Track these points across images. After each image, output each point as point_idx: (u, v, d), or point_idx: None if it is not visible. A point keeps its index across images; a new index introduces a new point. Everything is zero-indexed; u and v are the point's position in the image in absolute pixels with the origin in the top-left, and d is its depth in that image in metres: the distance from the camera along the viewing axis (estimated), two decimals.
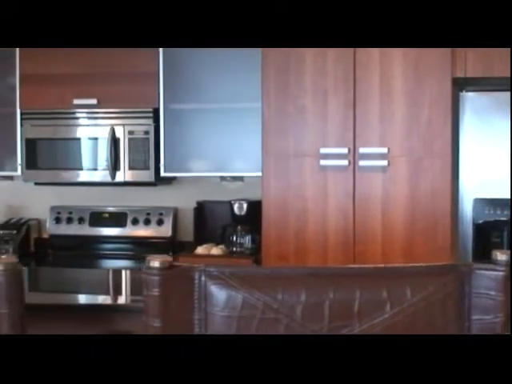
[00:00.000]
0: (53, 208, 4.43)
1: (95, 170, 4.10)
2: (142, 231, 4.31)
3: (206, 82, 4.01)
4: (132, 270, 3.90)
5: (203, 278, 1.39)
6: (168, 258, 1.40)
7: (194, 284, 1.38)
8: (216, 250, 4.04)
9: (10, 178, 4.48)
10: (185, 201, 4.33)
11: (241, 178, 4.23)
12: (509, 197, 3.52)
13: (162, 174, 4.04)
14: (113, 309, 2.08)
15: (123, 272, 3.76)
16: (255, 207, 4.06)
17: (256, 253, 4.04)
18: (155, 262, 1.37)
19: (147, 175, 4.02)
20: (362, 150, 3.65)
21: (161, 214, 4.29)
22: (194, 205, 4.28)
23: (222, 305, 1.37)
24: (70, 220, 4.39)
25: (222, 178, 4.25)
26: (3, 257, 1.41)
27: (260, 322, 1.36)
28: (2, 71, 4.22)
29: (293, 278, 1.39)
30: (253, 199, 4.09)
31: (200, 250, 4.08)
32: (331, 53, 3.64)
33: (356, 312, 1.37)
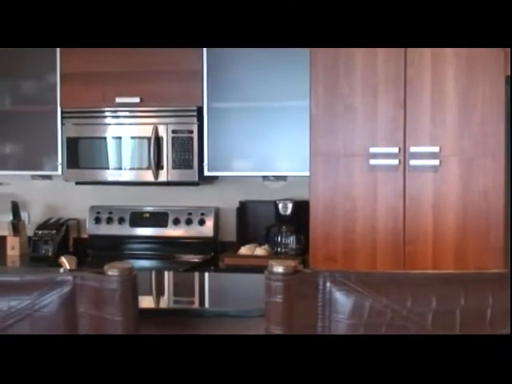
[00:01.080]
0: (92, 208, 4.37)
1: (137, 169, 4.03)
2: (183, 231, 4.23)
3: (250, 80, 3.97)
4: (177, 271, 3.81)
5: (328, 284, 1.31)
6: (291, 262, 1.31)
7: (317, 290, 1.30)
8: (260, 251, 3.97)
9: (49, 177, 4.43)
10: (226, 200, 4.27)
11: (284, 178, 4.17)
12: None
13: (206, 173, 3.97)
14: (191, 314, 1.99)
15: (166, 273, 3.65)
16: (300, 207, 3.99)
17: (301, 253, 3.98)
18: (279, 268, 1.30)
19: (190, 175, 3.96)
20: (412, 149, 3.59)
21: (202, 213, 4.23)
22: (236, 204, 4.21)
23: (348, 312, 1.30)
24: (109, 220, 4.32)
25: (265, 178, 4.19)
26: (116, 263, 1.33)
27: (387, 329, 1.28)
28: (43, 70, 4.18)
29: (422, 284, 1.30)
30: (297, 199, 4.00)
31: (243, 250, 4.02)
32: (381, 51, 3.57)
33: (488, 321, 1.28)
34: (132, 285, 1.35)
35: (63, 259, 2.62)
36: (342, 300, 1.34)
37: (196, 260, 4.18)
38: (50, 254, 4.27)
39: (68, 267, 2.61)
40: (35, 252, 4.29)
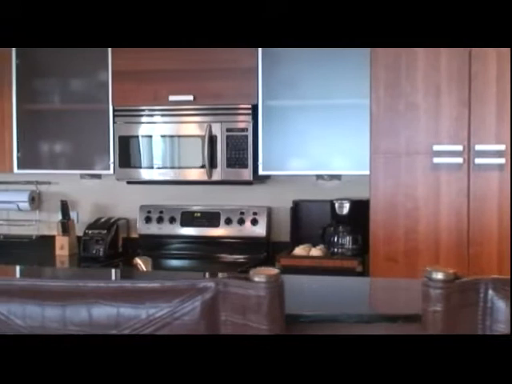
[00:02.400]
0: (142, 207, 4.28)
1: (190, 168, 3.93)
2: (235, 231, 4.13)
3: (305, 77, 3.91)
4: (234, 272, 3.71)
5: (490, 292, 1.20)
6: (450, 269, 1.20)
7: (478, 298, 1.19)
8: (316, 251, 3.88)
9: (98, 176, 4.34)
10: (279, 200, 4.20)
11: (338, 177, 4.06)
12: None
13: (260, 172, 3.87)
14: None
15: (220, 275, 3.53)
16: (357, 207, 3.88)
17: (358, 254, 3.87)
18: (438, 274, 1.18)
19: (245, 174, 3.88)
20: (477, 148, 3.49)
21: (255, 213, 4.15)
22: (288, 204, 4.14)
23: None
24: (160, 219, 4.24)
25: (318, 177, 4.09)
26: (264, 268, 1.22)
27: None
28: (94, 68, 4.13)
29: None
30: (353, 198, 3.90)
31: (298, 250, 3.93)
32: (444, 49, 3.50)
33: None
34: (279, 291, 1.24)
35: (138, 260, 2.54)
36: (504, 309, 1.22)
37: (248, 260, 4.06)
38: (100, 253, 4.19)
39: (144, 269, 2.51)
40: (86, 252, 4.21)
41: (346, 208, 3.98)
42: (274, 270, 1.28)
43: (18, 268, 3.77)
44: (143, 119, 4.11)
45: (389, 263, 3.69)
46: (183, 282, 1.28)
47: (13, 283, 1.30)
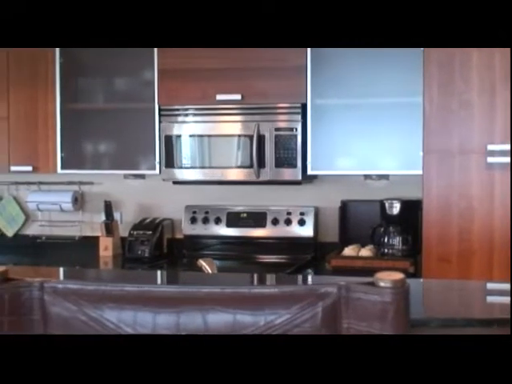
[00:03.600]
0: (187, 207, 4.21)
1: (238, 168, 3.88)
2: (282, 232, 4.07)
3: (355, 76, 3.91)
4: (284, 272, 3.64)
5: None
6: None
7: None
8: (365, 252, 3.82)
9: (142, 176, 4.28)
10: (326, 200, 4.14)
11: (386, 177, 3.98)
12: None
13: (309, 172, 3.81)
14: None
15: (268, 276, 3.45)
16: (408, 207, 3.81)
17: (409, 255, 3.80)
18: None
19: (294, 173, 3.83)
20: None
21: (302, 213, 4.09)
22: (336, 204, 4.08)
23: None
24: (206, 220, 4.20)
25: (366, 176, 4.02)
26: (388, 272, 1.15)
27: None
28: (139, 66, 4.10)
29: None
30: (403, 198, 3.82)
31: (347, 251, 3.87)
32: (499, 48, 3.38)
33: None
34: (406, 297, 1.16)
35: (202, 262, 2.49)
36: None
37: (295, 261, 3.99)
38: (146, 254, 4.15)
39: (210, 271, 2.44)
40: (130, 253, 4.17)
41: (396, 208, 3.91)
42: (399, 275, 1.21)
43: (61, 269, 3.74)
44: (190, 118, 4.07)
45: (442, 264, 3.64)
46: (303, 287, 1.21)
47: (124, 289, 1.23)
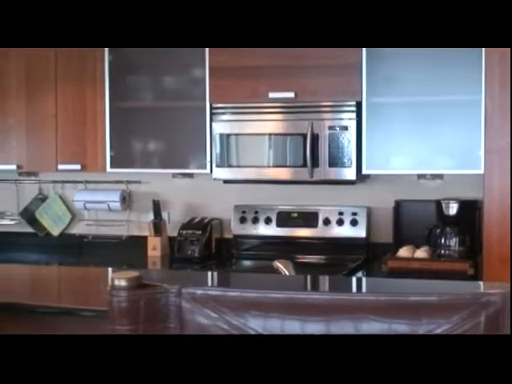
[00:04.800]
0: (237, 207, 4.12)
1: (291, 167, 3.78)
2: (334, 232, 3.96)
3: (410, 73, 3.82)
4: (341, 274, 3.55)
5: None
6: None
7: None
8: (421, 253, 3.72)
9: (190, 175, 4.18)
10: (378, 200, 4.04)
11: (440, 176, 3.87)
12: None
13: (364, 171, 3.70)
14: None
15: (322, 278, 3.33)
16: (465, 207, 3.70)
17: (466, 256, 3.70)
18: None
19: (348, 173, 3.71)
20: None
21: (354, 213, 3.97)
22: (388, 204, 3.97)
23: None
24: (255, 220, 4.11)
25: (420, 176, 3.91)
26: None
27: None
28: (190, 64, 4.03)
29: None
30: (462, 198, 3.71)
31: (402, 252, 3.75)
32: None
33: None
34: None
35: (279, 264, 2.39)
36: None
37: (347, 262, 3.89)
38: (196, 254, 4.08)
39: (287, 273, 2.33)
40: (180, 253, 4.10)
41: (453, 208, 3.81)
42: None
43: (110, 269, 3.65)
44: (242, 117, 3.97)
45: (503, 266, 3.52)
46: (464, 296, 1.11)
47: (269, 296, 1.13)
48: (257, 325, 1.13)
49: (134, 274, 1.14)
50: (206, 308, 1.14)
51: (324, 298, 1.14)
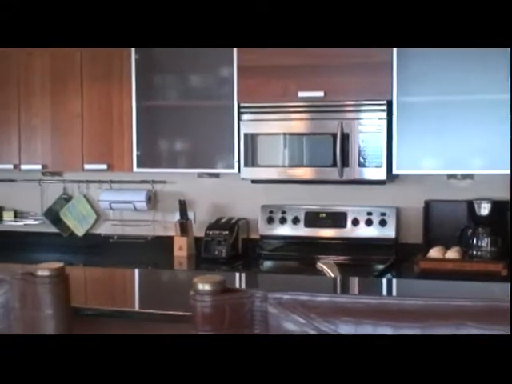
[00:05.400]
0: (264, 207, 4.06)
1: (320, 167, 3.73)
2: (363, 232, 3.90)
3: (441, 72, 3.76)
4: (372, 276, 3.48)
5: None
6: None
7: None
8: (452, 254, 3.67)
9: (216, 175, 4.12)
10: (407, 200, 3.96)
11: (471, 176, 3.81)
12: None
13: (394, 171, 3.64)
14: None
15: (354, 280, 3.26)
16: (497, 207, 3.64)
17: (498, 257, 3.66)
18: None
19: (378, 173, 3.66)
20: None
21: (383, 213, 3.91)
22: (418, 204, 3.93)
23: None
24: (283, 220, 4.05)
25: (450, 176, 3.85)
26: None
27: None
28: (217, 63, 3.98)
29: None
30: (494, 198, 3.65)
31: (433, 253, 3.69)
32: None
33: None
34: None
35: (324, 266, 2.33)
36: None
37: (377, 263, 3.82)
38: (223, 255, 4.03)
39: (332, 274, 2.28)
40: (207, 253, 4.04)
41: (485, 209, 3.75)
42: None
43: (136, 271, 3.60)
44: (270, 116, 3.92)
45: None
46: None
47: (361, 301, 1.07)
48: (348, 331, 1.07)
49: (217, 278, 1.08)
50: (294, 313, 1.08)
51: (419, 303, 1.08)
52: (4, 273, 1.17)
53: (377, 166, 3.76)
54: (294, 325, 1.09)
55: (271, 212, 4.20)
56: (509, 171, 3.53)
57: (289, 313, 1.09)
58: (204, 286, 1.08)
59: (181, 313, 1.55)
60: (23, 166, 4.30)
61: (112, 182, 4.46)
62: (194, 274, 3.28)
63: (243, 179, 4.00)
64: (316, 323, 1.08)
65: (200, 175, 4.31)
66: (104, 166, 4.16)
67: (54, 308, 1.11)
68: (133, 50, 4.08)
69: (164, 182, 4.42)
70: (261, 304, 1.10)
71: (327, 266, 2.34)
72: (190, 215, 4.33)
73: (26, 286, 1.14)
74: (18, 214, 4.65)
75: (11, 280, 1.16)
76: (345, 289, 2.48)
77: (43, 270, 1.15)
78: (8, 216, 4.63)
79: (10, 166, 4.31)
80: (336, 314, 1.08)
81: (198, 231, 4.27)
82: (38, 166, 4.30)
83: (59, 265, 1.19)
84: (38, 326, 1.13)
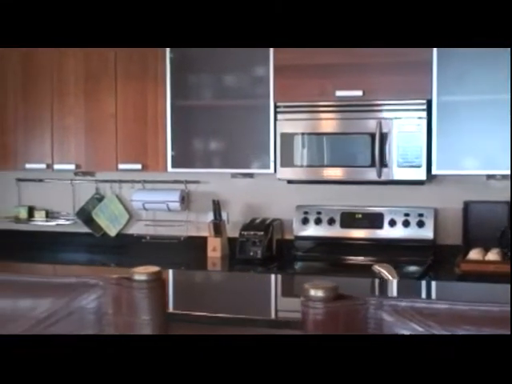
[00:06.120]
0: (298, 207, 4.00)
1: (358, 167, 3.66)
2: (400, 233, 3.84)
3: (482, 71, 3.64)
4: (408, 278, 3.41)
5: None
6: None
7: None
8: (492, 256, 3.61)
9: (250, 175, 4.05)
10: (446, 200, 3.87)
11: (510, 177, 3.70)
12: None
13: (434, 171, 3.56)
14: None
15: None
16: None
17: None
18: None
19: (417, 173, 3.59)
20: None
21: (421, 214, 3.82)
22: (456, 204, 3.85)
23: None
24: (318, 221, 3.98)
25: (489, 176, 3.77)
26: None
27: None
28: (253, 62, 3.92)
29: None
30: None
31: (473, 254, 3.61)
32: None
33: None
34: None
35: (381, 269, 2.25)
36: None
37: (414, 264, 3.75)
38: (258, 256, 3.97)
39: (390, 277, 2.21)
40: (242, 254, 3.98)
41: None
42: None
43: (170, 271, 3.54)
44: (307, 115, 3.85)
45: None
46: None
47: (480, 308, 1.00)
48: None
49: (330, 284, 1.01)
50: (411, 321, 1.02)
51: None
52: (97, 277, 1.12)
53: (416, 166, 3.69)
54: (411, 333, 1.02)
55: (306, 213, 4.12)
56: None
57: (406, 321, 1.02)
58: (316, 293, 1.01)
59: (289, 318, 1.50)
60: (56, 166, 4.25)
61: (145, 181, 4.40)
62: (259, 277, 3.23)
63: (279, 179, 3.93)
64: (435, 331, 1.02)
65: (234, 175, 4.23)
66: (138, 166, 4.10)
67: (150, 314, 1.06)
68: (168, 49, 4.02)
69: (197, 182, 4.36)
70: (375, 311, 1.03)
71: (384, 269, 2.28)
72: (223, 215, 4.27)
73: (121, 291, 1.08)
74: (49, 214, 4.61)
75: (105, 285, 1.10)
76: (402, 291, 2.42)
77: (140, 275, 1.09)
78: (40, 216, 4.58)
79: (43, 166, 4.26)
80: (456, 321, 1.01)
81: (231, 232, 4.21)
82: (72, 166, 4.24)
83: (156, 269, 1.13)
84: (133, 332, 1.07)
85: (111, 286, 1.10)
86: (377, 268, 2.30)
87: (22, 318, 1.12)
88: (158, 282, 1.10)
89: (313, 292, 1.01)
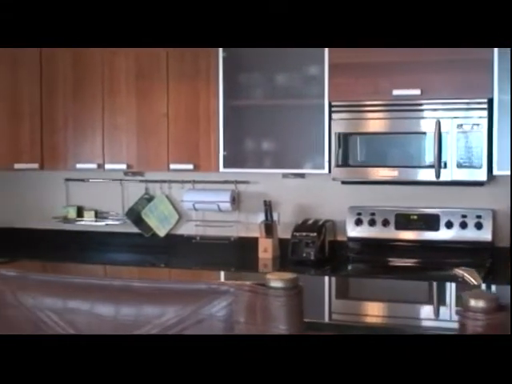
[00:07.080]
0: (351, 208, 3.90)
1: (415, 167, 3.56)
2: (457, 235, 3.73)
3: None
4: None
5: None
6: None
7: None
8: None
9: (302, 175, 3.97)
10: (504, 202, 3.78)
11: None
12: None
13: (495, 172, 3.46)
14: None
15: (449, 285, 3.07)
16: None
17: None
18: None
19: (478, 174, 3.48)
20: None
21: (479, 216, 3.71)
22: None
23: None
24: (372, 222, 3.88)
25: None
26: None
27: None
28: (306, 61, 3.80)
29: None
30: None
31: None
32: None
33: None
34: None
35: (464, 273, 2.14)
36: None
37: (473, 267, 3.63)
38: (311, 257, 3.87)
39: (474, 282, 2.12)
40: (294, 255, 3.88)
41: None
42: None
43: (222, 273, 3.49)
44: (363, 115, 3.75)
45: None
46: None
47: None
48: None
49: (490, 295, 0.93)
50: None
51: None
52: (228, 283, 1.04)
53: (476, 167, 3.58)
54: None
55: (359, 214, 4.02)
56: None
57: None
58: (477, 303, 0.93)
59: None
60: (107, 166, 4.18)
61: (195, 182, 4.34)
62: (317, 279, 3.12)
63: (334, 179, 3.84)
64: None
65: (285, 175, 4.14)
66: (190, 166, 4.02)
67: (288, 324, 0.98)
68: (220, 48, 3.95)
69: (247, 182, 4.28)
70: None
71: (468, 273, 2.19)
72: (274, 216, 4.19)
73: (256, 298, 1.01)
74: (98, 214, 4.55)
75: (236, 291, 1.03)
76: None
77: (276, 281, 1.01)
78: (89, 216, 4.53)
79: (94, 166, 4.21)
80: None
81: (282, 233, 4.13)
82: (123, 166, 4.17)
83: (292, 275, 1.06)
84: None
85: (244, 292, 1.03)
86: (459, 272, 2.21)
87: (147, 324, 1.06)
88: (295, 289, 1.02)
89: (473, 302, 0.93)
